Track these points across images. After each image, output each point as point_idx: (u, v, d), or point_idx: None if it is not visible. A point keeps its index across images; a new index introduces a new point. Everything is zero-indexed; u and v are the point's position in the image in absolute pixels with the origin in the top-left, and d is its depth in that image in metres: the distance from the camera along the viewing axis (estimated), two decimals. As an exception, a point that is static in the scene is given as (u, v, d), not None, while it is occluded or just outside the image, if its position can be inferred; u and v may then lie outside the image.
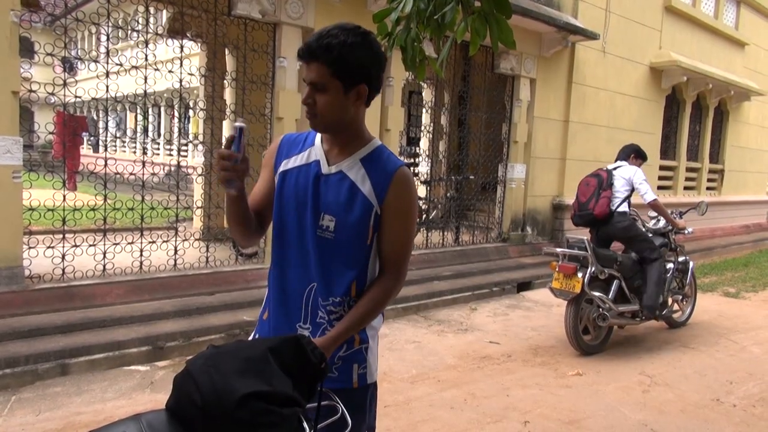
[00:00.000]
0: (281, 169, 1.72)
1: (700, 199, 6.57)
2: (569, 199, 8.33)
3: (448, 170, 9.27)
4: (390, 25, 2.63)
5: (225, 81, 6.89)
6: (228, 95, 6.84)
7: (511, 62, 7.91)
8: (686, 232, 5.58)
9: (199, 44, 7.12)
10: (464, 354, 4.80)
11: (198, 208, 6.06)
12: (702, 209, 5.75)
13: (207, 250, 5.66)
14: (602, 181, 5.19)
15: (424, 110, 9.04)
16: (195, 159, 7.13)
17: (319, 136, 1.72)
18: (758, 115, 14.04)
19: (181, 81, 5.52)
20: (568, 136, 8.98)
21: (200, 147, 6.57)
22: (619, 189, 5.19)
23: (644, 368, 4.61)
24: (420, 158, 9.26)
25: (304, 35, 5.83)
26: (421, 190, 8.76)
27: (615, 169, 5.32)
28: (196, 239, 5.71)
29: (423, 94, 10.00)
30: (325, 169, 1.67)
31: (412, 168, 9.68)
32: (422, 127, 8.61)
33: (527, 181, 8.53)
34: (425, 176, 8.78)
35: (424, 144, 9.08)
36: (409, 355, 4.72)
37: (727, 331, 5.76)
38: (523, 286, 7.39)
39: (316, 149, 1.70)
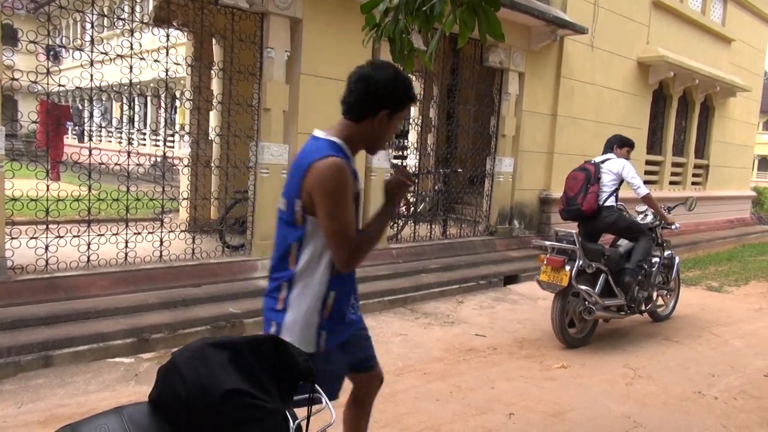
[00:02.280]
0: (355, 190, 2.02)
1: (687, 194, 6.64)
2: (556, 193, 8.37)
3: (436, 163, 9.27)
4: (378, 16, 2.61)
5: (212, 71, 6.83)
6: (215, 85, 6.78)
7: (500, 55, 7.91)
8: (674, 227, 5.64)
9: (186, 33, 7.04)
10: (450, 347, 4.82)
11: (184, 199, 6.01)
12: (690, 204, 5.81)
13: (193, 242, 5.63)
14: (590, 176, 5.20)
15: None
16: (181, 150, 7.05)
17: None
18: (743, 111, 14.18)
19: (167, 71, 5.45)
20: (556, 130, 9.01)
21: (186, 138, 6.51)
22: (607, 183, 5.21)
23: (628, 361, 4.66)
24: (408, 151, 9.25)
25: (292, 26, 5.79)
26: (409, 183, 8.75)
27: (603, 162, 5.33)
28: (182, 231, 5.66)
29: (412, 86, 9.98)
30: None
31: (400, 161, 9.68)
32: (410, 120, 8.60)
33: (515, 174, 8.55)
34: (413, 169, 8.77)
35: (412, 137, 9.07)
36: (395, 347, 4.73)
37: (709, 325, 5.84)
38: (510, 279, 7.43)
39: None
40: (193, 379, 1.25)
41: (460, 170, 8.53)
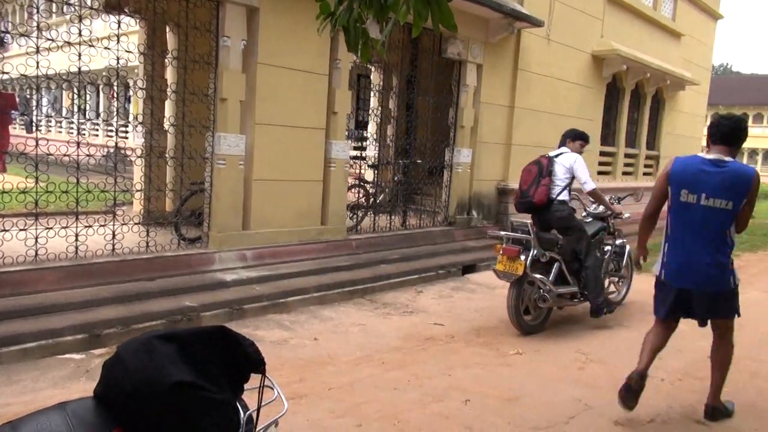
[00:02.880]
0: None
1: (639, 185, 6.85)
2: (514, 184, 8.51)
3: (395, 154, 9.30)
4: (333, 4, 2.60)
5: (166, 60, 6.67)
6: (169, 74, 6.62)
7: (458, 47, 7.97)
8: (623, 217, 5.81)
9: (138, 21, 6.84)
10: (409, 336, 4.87)
11: (137, 191, 5.86)
12: (638, 196, 5.99)
13: (147, 235, 5.50)
14: (542, 169, 5.28)
15: (372, 94, 9.02)
16: (135, 140, 6.87)
17: None
18: (692, 104, 14.68)
19: (118, 59, 5.29)
20: (513, 122, 9.15)
21: (139, 128, 6.34)
22: (560, 177, 5.29)
23: (580, 346, 4.80)
24: (368, 142, 9.24)
25: (249, 14, 5.70)
26: (369, 174, 8.77)
27: (557, 156, 5.42)
28: (135, 223, 5.52)
29: (371, 77, 9.97)
30: None
31: (359, 152, 9.66)
32: (370, 111, 8.60)
33: (473, 165, 8.66)
34: (373, 160, 8.78)
35: (371, 128, 9.07)
36: (354, 337, 4.75)
37: (658, 310, 6.04)
38: (468, 268, 7.53)
39: None
40: (140, 372, 1.24)
41: (419, 161, 8.58)
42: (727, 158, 3.34)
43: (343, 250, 6.81)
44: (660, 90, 13.04)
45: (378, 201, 8.27)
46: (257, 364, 1.39)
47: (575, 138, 5.57)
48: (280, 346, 4.48)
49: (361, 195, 7.99)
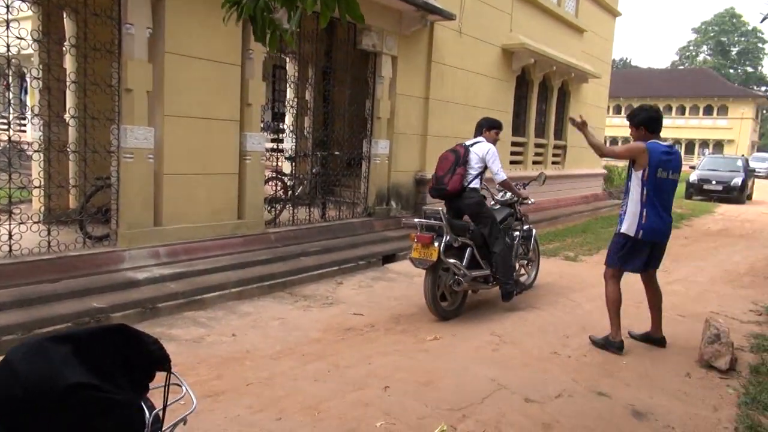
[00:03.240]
0: None
1: (539, 171, 7.21)
2: (431, 174, 8.68)
3: (313, 146, 9.23)
4: (238, -7, 2.55)
5: (63, 47, 6.27)
6: (68, 63, 6.23)
7: (373, 39, 8.01)
8: (529, 202, 6.11)
9: (30, 5, 6.38)
10: (329, 327, 4.88)
11: (35, 187, 5.49)
12: (541, 180, 6.30)
13: (49, 234, 5.17)
14: (459, 157, 5.46)
15: (288, 85, 8.90)
16: (32, 134, 6.42)
17: None
18: (594, 96, 15.54)
19: (8, 46, 4.92)
20: (429, 113, 9.33)
21: (36, 120, 5.92)
22: (473, 166, 5.49)
23: (494, 329, 5.00)
24: (285, 134, 9.12)
25: (153, 1, 5.46)
26: (286, 167, 8.67)
27: (472, 145, 5.60)
28: (35, 222, 5.17)
29: (287, 68, 9.84)
30: None
31: (276, 144, 9.53)
32: (286, 103, 8.48)
33: (391, 156, 8.76)
34: (290, 152, 8.69)
35: (288, 120, 8.96)
36: (273, 331, 4.71)
37: (566, 291, 6.40)
38: (388, 258, 7.63)
39: None
40: (31, 376, 1.18)
41: (337, 153, 8.57)
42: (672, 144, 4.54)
43: (261, 244, 6.71)
44: (565, 83, 13.71)
45: (296, 193, 8.19)
46: (161, 362, 1.35)
47: (490, 127, 5.76)
48: (196, 344, 4.37)
49: (279, 188, 7.89)
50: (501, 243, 5.48)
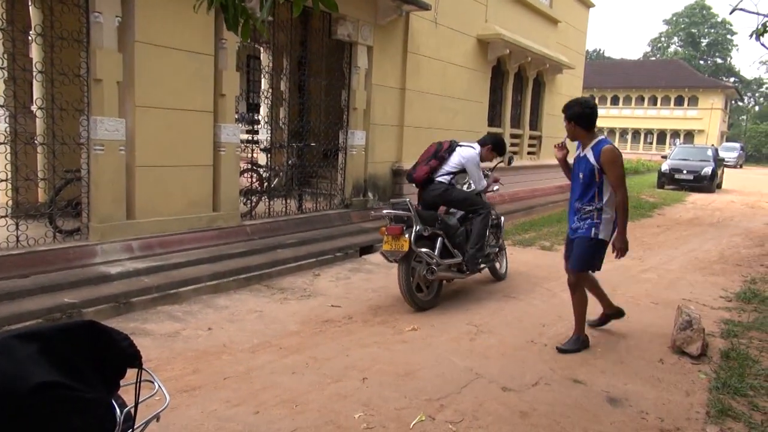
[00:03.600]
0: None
1: (523, 163, 7.28)
2: (408, 165, 8.69)
3: (289, 137, 9.15)
4: (209, -19, 2.48)
5: (29, 36, 6.09)
6: (34, 53, 6.05)
7: (348, 29, 7.94)
8: (493, 189, 6.16)
9: (-6, -8, 6.17)
10: (307, 319, 4.85)
11: (2, 181, 5.33)
12: (507, 160, 6.35)
13: (17, 228, 5.04)
14: (438, 150, 5.54)
15: (262, 75, 8.78)
16: (-2, 125, 6.23)
17: None
18: (569, 87, 15.67)
19: (-30, 34, 4.75)
20: (405, 104, 9.30)
21: (1, 111, 5.74)
22: (451, 164, 5.55)
23: (472, 319, 5.02)
24: (260, 125, 9.02)
25: (122, -12, 5.32)
26: (262, 158, 8.57)
27: (461, 146, 5.66)
28: (2, 216, 5.03)
29: (261, 58, 9.71)
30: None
31: (252, 135, 9.42)
32: (261, 93, 8.37)
33: (367, 147, 8.72)
34: (265, 144, 8.59)
35: (263, 110, 8.85)
36: (250, 325, 4.66)
37: (542, 281, 6.46)
38: (366, 249, 7.62)
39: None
40: (-4, 375, 1.13)
41: (313, 144, 8.50)
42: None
43: (237, 237, 6.63)
44: (540, 73, 13.79)
45: (272, 185, 8.11)
46: (132, 359, 1.32)
47: (493, 149, 5.85)
48: (171, 338, 4.30)
49: (254, 180, 7.80)
50: (482, 214, 5.55)
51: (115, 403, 1.29)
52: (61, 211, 5.75)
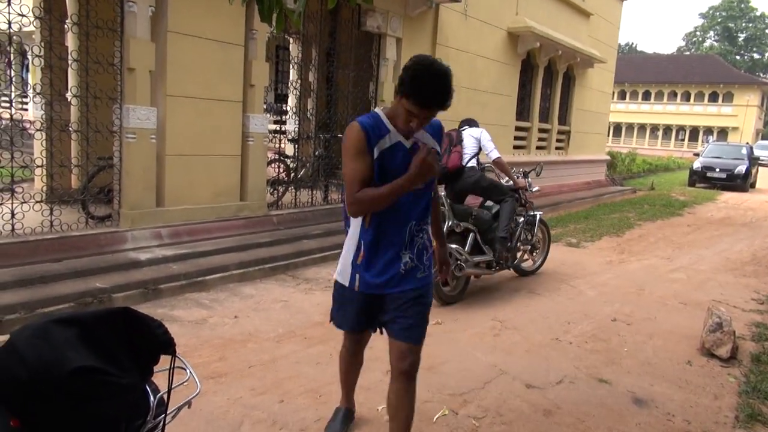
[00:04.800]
0: (378, 151, 2.31)
1: (546, 158, 7.20)
2: (433, 158, 8.65)
3: (316, 128, 9.17)
4: (244, -28, 2.50)
5: (65, 25, 6.20)
6: (70, 41, 6.17)
7: (378, 20, 7.92)
8: (533, 190, 6.11)
9: (32, -18, 6.31)
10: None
11: (38, 167, 5.46)
12: (538, 170, 6.29)
13: (51, 214, 5.17)
14: (452, 139, 5.53)
15: (291, 66, 8.82)
16: (34, 112, 6.38)
17: (389, 122, 2.35)
18: (600, 81, 15.41)
19: (10, 23, 4.86)
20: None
21: (37, 99, 5.88)
22: (468, 146, 5.59)
23: (496, 314, 5.00)
24: (287, 116, 9.06)
25: (156, -21, 5.38)
26: (289, 149, 8.62)
27: (463, 129, 5.72)
28: (37, 201, 5.15)
29: (290, 49, 9.74)
30: (407, 144, 2.37)
31: (279, 126, 9.47)
32: (289, 84, 8.41)
33: (394, 140, 8.69)
34: (293, 134, 8.64)
35: (291, 101, 8.89)
36: (275, 314, 4.71)
37: (567, 278, 6.40)
38: (390, 242, 7.61)
39: (393, 133, 2.35)
40: (36, 360, 1.17)
41: (340, 135, 8.50)
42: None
43: (263, 226, 6.69)
44: (571, 67, 13.58)
45: (299, 176, 8.16)
46: (166, 346, 1.35)
47: (472, 125, 5.90)
48: (198, 325, 4.37)
49: (281, 170, 7.86)
50: (509, 203, 5.52)
51: (148, 389, 1.32)
52: (94, 197, 5.87)
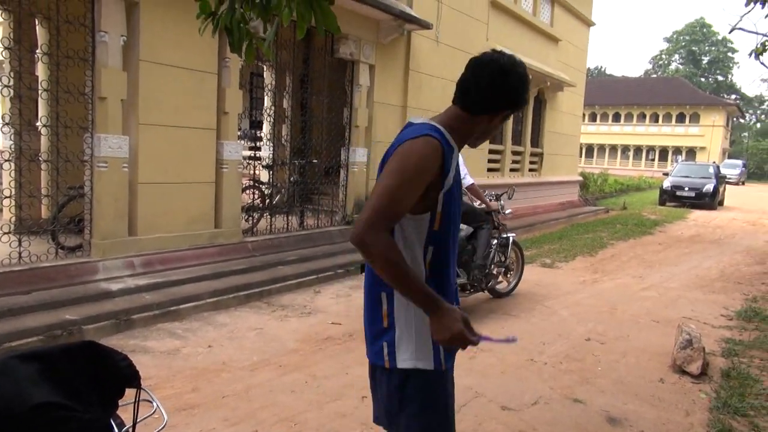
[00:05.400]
0: (448, 186, 1.69)
1: (518, 181, 7.31)
2: (408, 182, 8.71)
3: (291, 154, 9.20)
4: (213, 4, 2.54)
5: (35, 55, 6.17)
6: (40, 71, 6.14)
7: (350, 47, 8.03)
8: (505, 213, 6.20)
9: (1, 13, 6.28)
10: (307, 337, 4.85)
11: (6, 197, 5.38)
12: (510, 193, 6.39)
13: (20, 245, 5.08)
14: None
15: (265, 93, 8.88)
16: (3, 142, 6.31)
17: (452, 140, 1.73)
18: (570, 104, 15.77)
19: (-22, 53, 4.83)
20: (407, 121, 9.35)
21: (6, 129, 5.81)
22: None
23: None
24: (262, 142, 9.08)
25: (128, 8, 5.42)
26: (264, 175, 8.62)
27: None
28: (5, 233, 5.07)
29: (264, 76, 9.80)
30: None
31: (254, 152, 9.48)
32: (263, 111, 8.45)
33: (369, 164, 8.77)
34: (267, 160, 8.65)
35: (266, 128, 8.92)
36: (250, 342, 4.66)
37: (542, 298, 6.46)
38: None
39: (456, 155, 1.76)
40: (-4, 396, 1.15)
41: (315, 161, 8.56)
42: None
43: (238, 253, 6.65)
44: (541, 91, 13.89)
45: (274, 202, 8.15)
46: (131, 378, 1.34)
47: None
48: (171, 356, 4.31)
49: (256, 196, 7.85)
50: (485, 229, 5.58)
51: (113, 423, 1.31)
52: (64, 227, 5.79)
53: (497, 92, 1.71)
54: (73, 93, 5.40)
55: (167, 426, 1.48)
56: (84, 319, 4.69)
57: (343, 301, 6.06)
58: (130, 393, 1.52)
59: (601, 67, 75.14)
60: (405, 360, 1.70)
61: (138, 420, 1.42)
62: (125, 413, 1.53)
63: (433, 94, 9.89)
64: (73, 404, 1.19)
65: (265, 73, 9.65)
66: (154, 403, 1.45)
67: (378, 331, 1.75)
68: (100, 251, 5.45)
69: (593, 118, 47.85)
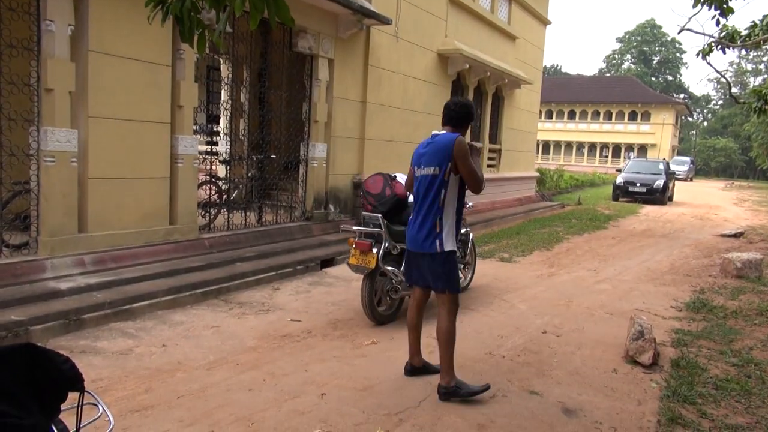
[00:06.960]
0: None
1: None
2: (368, 178, 8.70)
3: (249, 149, 9.06)
4: (163, -8, 2.45)
5: (-24, 44, 5.88)
6: (-19, 61, 5.84)
7: (309, 41, 7.94)
8: (467, 206, 6.21)
9: (-61, -2, 5.95)
10: (265, 334, 4.79)
11: (-55, 193, 5.12)
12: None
13: (-40, 243, 4.84)
14: (387, 177, 5.40)
15: (222, 87, 8.71)
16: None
17: None
18: (527, 101, 16.03)
19: None
20: (366, 117, 9.34)
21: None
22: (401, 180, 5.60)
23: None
24: (219, 137, 8.91)
25: (76, -3, 5.21)
26: (221, 170, 8.46)
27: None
28: (-56, 230, 4.83)
29: (221, 69, 9.61)
30: None
31: (211, 147, 9.29)
32: (220, 104, 8.28)
33: (328, 160, 8.71)
34: (225, 155, 8.49)
35: (223, 122, 8.75)
36: (206, 341, 4.57)
37: (500, 292, 6.55)
38: (326, 262, 7.58)
39: None
40: (-75, 404, 1.08)
41: (273, 156, 8.45)
42: (440, 132, 3.76)
43: (195, 250, 6.51)
44: (499, 88, 14.06)
45: (232, 198, 8.01)
46: (73, 381, 1.27)
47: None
48: (124, 356, 4.18)
49: (213, 192, 7.69)
50: None
51: (55, 429, 1.24)
52: (9, 224, 5.55)
53: (466, 115, 3.79)
54: (18, 84, 5.16)
55: (120, 428, 1.43)
56: (31, 319, 4.50)
57: (303, 298, 6.00)
58: (76, 397, 1.45)
59: (557, 65, 76.76)
60: (448, 246, 3.67)
61: (83, 425, 1.35)
62: (70, 417, 1.46)
63: (393, 90, 9.89)
64: (11, 410, 1.13)
65: (221, 66, 9.48)
66: (100, 407, 1.38)
67: (433, 234, 3.67)
68: (48, 249, 5.24)
69: (549, 115, 48.83)
